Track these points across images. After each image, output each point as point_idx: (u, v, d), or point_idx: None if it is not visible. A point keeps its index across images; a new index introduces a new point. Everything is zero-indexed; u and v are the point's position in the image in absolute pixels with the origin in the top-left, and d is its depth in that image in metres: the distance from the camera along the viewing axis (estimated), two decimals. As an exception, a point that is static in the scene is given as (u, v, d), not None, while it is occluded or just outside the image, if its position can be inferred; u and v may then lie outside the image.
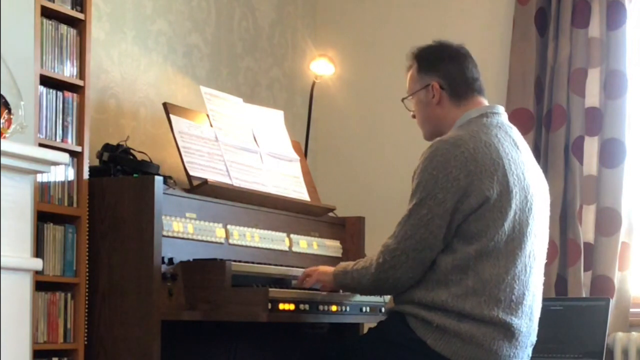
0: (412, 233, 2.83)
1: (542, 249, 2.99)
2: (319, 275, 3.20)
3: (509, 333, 2.84)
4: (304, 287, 3.29)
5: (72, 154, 3.19)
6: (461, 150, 2.83)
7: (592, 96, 4.39)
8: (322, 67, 4.55)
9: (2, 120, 2.62)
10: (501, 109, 3.04)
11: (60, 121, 3.17)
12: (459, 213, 2.81)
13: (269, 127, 3.97)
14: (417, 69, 3.07)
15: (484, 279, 2.81)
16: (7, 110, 2.64)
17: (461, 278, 2.82)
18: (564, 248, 4.35)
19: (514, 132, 3.01)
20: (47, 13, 3.12)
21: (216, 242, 3.43)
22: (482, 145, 2.85)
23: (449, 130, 2.99)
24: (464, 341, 2.81)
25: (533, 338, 2.97)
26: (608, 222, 4.31)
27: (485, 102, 3.05)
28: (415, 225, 2.83)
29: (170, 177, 3.38)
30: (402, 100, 3.13)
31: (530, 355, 2.99)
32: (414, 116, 3.12)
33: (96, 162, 3.36)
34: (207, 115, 3.69)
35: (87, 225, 3.20)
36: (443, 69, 3.02)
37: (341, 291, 3.36)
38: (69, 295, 3.15)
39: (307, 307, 3.25)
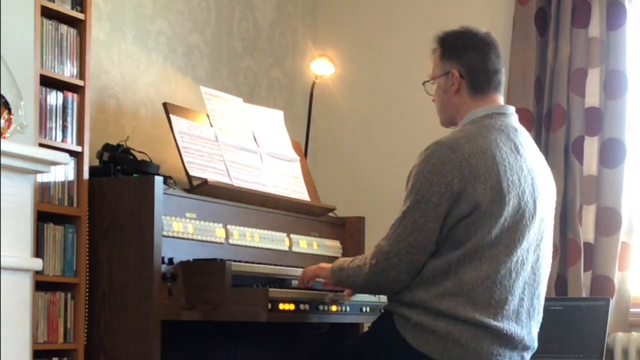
0: (405, 236, 2.83)
1: (541, 252, 2.94)
2: (318, 270, 3.20)
3: (488, 332, 2.82)
4: (306, 286, 3.28)
5: (72, 154, 3.19)
6: (456, 154, 2.81)
7: (592, 96, 4.39)
8: (322, 67, 4.55)
9: (2, 120, 2.62)
10: (510, 109, 3.00)
11: (60, 121, 3.17)
12: (450, 218, 2.80)
13: (269, 127, 3.97)
14: (440, 54, 3.03)
15: (462, 280, 2.80)
16: (7, 110, 2.64)
17: (442, 280, 2.82)
18: (564, 248, 4.35)
19: (519, 135, 2.96)
20: (47, 13, 3.13)
21: (216, 242, 3.43)
22: (477, 150, 2.83)
23: (460, 121, 2.98)
24: (442, 338, 2.80)
25: (529, 342, 2.92)
26: (608, 222, 4.31)
27: (499, 101, 3.01)
28: (409, 228, 2.83)
29: (170, 177, 3.38)
30: (423, 83, 3.10)
31: (528, 359, 2.97)
32: (433, 100, 3.09)
33: (96, 162, 3.36)
34: (207, 115, 3.69)
35: (87, 225, 3.20)
36: (466, 57, 2.98)
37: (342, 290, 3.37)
38: (69, 295, 3.15)
39: (307, 307, 3.25)
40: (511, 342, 2.87)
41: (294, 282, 3.51)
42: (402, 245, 2.83)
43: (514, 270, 2.85)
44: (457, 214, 2.80)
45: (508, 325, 2.85)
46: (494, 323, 2.82)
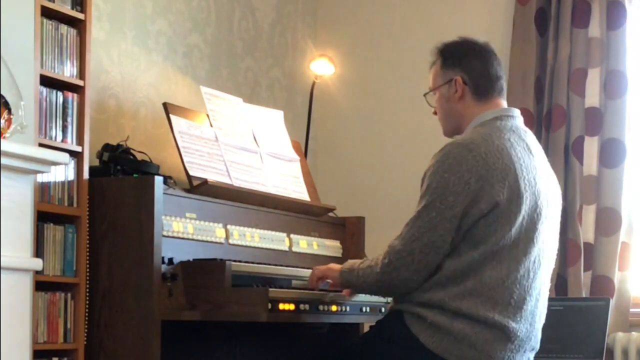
0: (419, 235, 2.82)
1: (549, 255, 2.96)
2: (326, 271, 3.18)
3: (504, 336, 2.82)
4: (314, 287, 3.27)
5: (72, 154, 3.18)
6: (473, 154, 2.81)
7: (592, 96, 4.39)
8: (322, 67, 4.55)
9: (2, 120, 2.62)
10: (516, 112, 3.01)
11: (60, 121, 3.17)
12: (468, 217, 2.79)
13: (269, 127, 3.97)
14: (441, 64, 3.03)
15: (483, 281, 2.80)
16: (7, 110, 2.64)
17: (462, 280, 2.81)
18: (564, 248, 4.35)
19: (529, 136, 2.98)
20: (47, 13, 3.12)
21: (216, 242, 3.43)
22: (494, 150, 2.83)
23: (468, 126, 2.98)
24: (457, 340, 2.80)
25: (534, 343, 2.94)
26: (608, 222, 4.31)
27: (504, 105, 3.02)
28: (424, 227, 2.81)
29: (170, 177, 3.38)
30: (424, 95, 3.09)
31: (531, 359, 2.98)
32: (435, 112, 3.08)
33: (96, 162, 3.36)
34: (207, 115, 3.69)
35: (87, 225, 3.20)
36: (467, 64, 2.99)
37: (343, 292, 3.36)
38: (69, 295, 3.15)
39: (307, 307, 3.25)
40: (523, 345, 2.88)
41: (294, 282, 3.51)
42: (416, 245, 2.81)
43: (531, 270, 2.86)
44: (475, 213, 2.79)
45: (524, 327, 2.86)
46: (513, 324, 2.83)
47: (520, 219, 2.82)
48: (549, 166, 3.05)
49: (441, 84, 3.02)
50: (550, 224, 2.95)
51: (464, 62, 3.00)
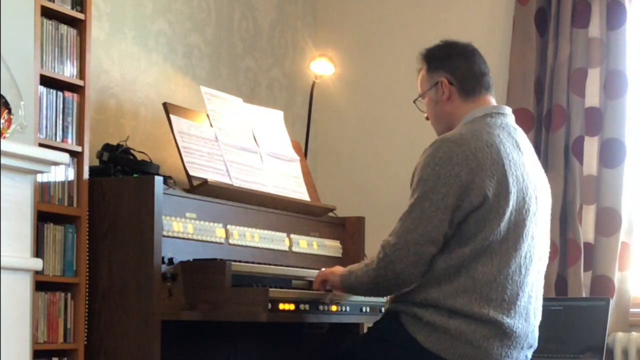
0: (413, 227, 2.81)
1: (541, 252, 2.97)
2: (328, 274, 3.18)
3: (500, 332, 2.83)
4: (318, 289, 3.26)
5: (72, 154, 3.19)
6: (463, 148, 2.83)
7: (592, 96, 4.39)
8: (322, 67, 4.55)
9: (2, 120, 2.62)
10: (507, 110, 3.03)
11: (60, 121, 3.17)
12: (459, 210, 2.81)
13: (269, 127, 3.97)
14: (426, 69, 3.08)
15: (475, 277, 2.81)
16: (7, 110, 2.64)
17: (455, 277, 2.82)
18: (564, 248, 4.35)
19: (519, 134, 3.00)
20: (47, 13, 3.13)
21: (216, 242, 3.43)
22: (483, 145, 2.85)
23: (459, 124, 2.99)
24: (454, 338, 2.80)
25: (531, 340, 2.95)
26: (608, 222, 4.31)
27: (493, 101, 3.05)
28: (417, 219, 2.81)
29: (170, 177, 3.38)
30: (414, 101, 3.13)
31: (530, 357, 2.98)
32: (427, 117, 3.11)
33: (96, 162, 3.36)
34: (207, 115, 3.69)
35: (87, 225, 3.20)
36: (451, 64, 3.02)
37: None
38: (69, 295, 3.15)
39: (307, 307, 3.25)
40: (519, 342, 2.89)
41: (294, 282, 3.51)
42: (411, 237, 2.81)
43: (523, 266, 2.87)
44: (467, 206, 2.80)
45: (519, 322, 2.87)
46: (507, 320, 2.84)
47: (508, 214, 2.83)
48: (539, 165, 3.07)
49: (428, 88, 3.06)
50: (540, 221, 2.96)
51: (447, 63, 3.03)
